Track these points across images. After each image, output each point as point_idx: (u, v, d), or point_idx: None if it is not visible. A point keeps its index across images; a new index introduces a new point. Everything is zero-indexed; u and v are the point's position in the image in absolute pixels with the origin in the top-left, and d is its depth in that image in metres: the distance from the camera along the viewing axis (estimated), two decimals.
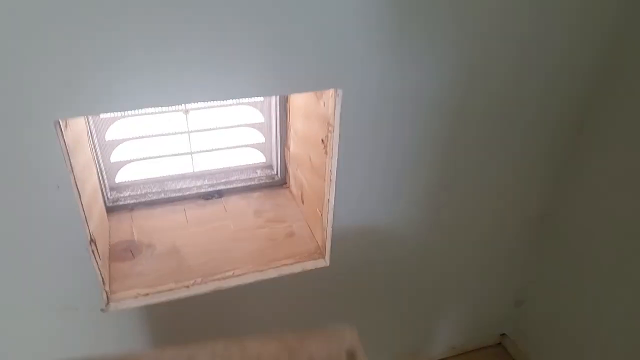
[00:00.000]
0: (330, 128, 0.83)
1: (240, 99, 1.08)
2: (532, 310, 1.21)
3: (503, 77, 0.85)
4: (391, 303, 1.11)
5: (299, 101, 0.98)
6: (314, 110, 0.90)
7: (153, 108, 1.03)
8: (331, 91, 0.79)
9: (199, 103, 1.05)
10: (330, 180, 0.87)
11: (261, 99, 1.09)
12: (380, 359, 1.22)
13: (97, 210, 0.91)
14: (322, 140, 0.88)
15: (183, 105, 1.05)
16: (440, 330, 1.23)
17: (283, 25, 0.67)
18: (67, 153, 0.70)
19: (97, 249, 0.82)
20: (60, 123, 0.67)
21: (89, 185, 0.86)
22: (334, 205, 0.88)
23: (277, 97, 1.07)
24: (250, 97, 0.73)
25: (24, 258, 0.74)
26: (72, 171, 0.71)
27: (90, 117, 0.98)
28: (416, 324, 1.19)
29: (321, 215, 0.96)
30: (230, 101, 1.08)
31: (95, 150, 1.03)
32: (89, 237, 0.77)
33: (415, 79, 0.79)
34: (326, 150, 0.87)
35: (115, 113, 1.00)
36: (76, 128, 0.82)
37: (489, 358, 1.30)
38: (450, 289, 1.16)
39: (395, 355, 1.23)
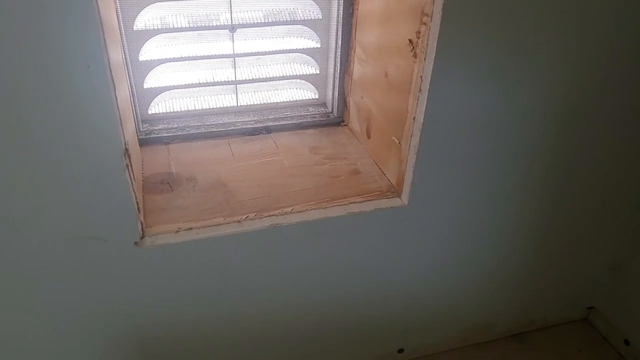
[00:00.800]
0: (425, 19, 0.66)
1: (294, 18, 0.92)
2: (632, 277, 1.02)
3: None
4: (470, 259, 0.93)
5: (375, 3, 0.81)
6: (399, 4, 0.72)
7: (193, 23, 0.88)
8: None
9: (245, 17, 0.90)
10: (420, 90, 0.70)
11: (320, 15, 0.93)
12: (449, 330, 1.04)
13: (129, 128, 0.75)
14: (410, 41, 0.70)
15: (229, 17, 0.88)
16: (518, 299, 1.05)
17: None
18: (101, 23, 0.54)
19: (131, 165, 0.66)
20: None
21: (122, 91, 0.70)
22: (423, 124, 0.71)
23: (341, 10, 0.90)
24: None
25: (42, 165, 0.58)
26: (106, 49, 0.55)
27: (123, 29, 0.83)
28: (492, 290, 1.01)
29: (399, 143, 0.79)
30: (283, 17, 0.92)
31: (128, 71, 0.88)
32: (123, 145, 0.61)
33: None
34: (415, 53, 0.70)
35: (152, 25, 0.85)
36: (107, 16, 0.66)
37: (573, 335, 1.12)
38: (534, 250, 0.97)
39: (466, 327, 1.05)
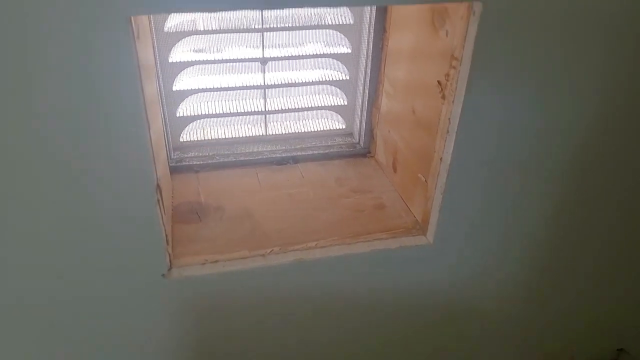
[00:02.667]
0: (454, 63, 0.66)
1: (325, 51, 0.93)
2: None
3: None
4: (496, 302, 0.91)
5: (404, 41, 0.82)
6: (429, 46, 0.73)
7: (227, 55, 0.91)
8: (461, 10, 0.62)
9: (277, 51, 0.92)
10: (447, 132, 0.70)
11: (349, 50, 0.94)
12: None
13: (161, 159, 0.78)
14: (439, 83, 0.71)
15: (260, 51, 0.90)
16: (542, 336, 1.03)
17: None
18: (139, 67, 0.56)
19: (162, 199, 0.68)
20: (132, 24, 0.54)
21: (155, 125, 0.73)
22: (450, 165, 0.70)
23: (371, 44, 0.91)
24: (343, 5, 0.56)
25: (74, 197, 0.60)
26: (142, 91, 0.57)
27: (158, 60, 0.86)
28: (513, 328, 0.99)
29: (426, 181, 0.79)
30: (312, 51, 0.93)
31: (162, 100, 0.90)
32: (155, 181, 0.63)
33: None
34: (444, 94, 0.70)
35: (186, 56, 0.88)
36: (144, 57, 0.68)
37: None
38: (563, 291, 0.95)
39: None
